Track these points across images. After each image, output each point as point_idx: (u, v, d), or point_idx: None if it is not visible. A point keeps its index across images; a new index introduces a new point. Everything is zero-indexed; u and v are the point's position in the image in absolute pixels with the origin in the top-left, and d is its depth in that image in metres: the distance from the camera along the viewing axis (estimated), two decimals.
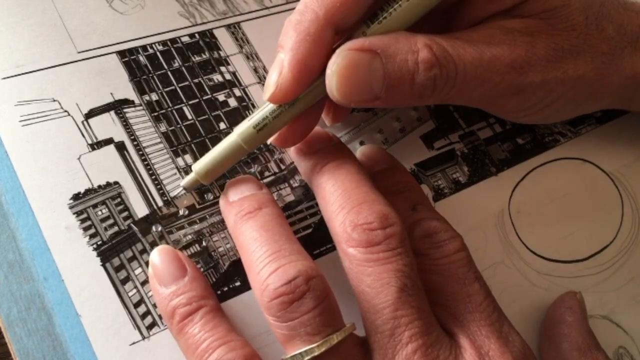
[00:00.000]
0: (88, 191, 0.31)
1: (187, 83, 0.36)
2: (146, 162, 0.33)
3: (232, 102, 0.36)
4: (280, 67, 0.27)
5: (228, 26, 0.38)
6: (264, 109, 0.29)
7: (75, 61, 0.34)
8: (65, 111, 0.32)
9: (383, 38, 0.27)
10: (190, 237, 0.32)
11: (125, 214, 0.31)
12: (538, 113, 0.33)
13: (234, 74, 0.37)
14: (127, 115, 0.34)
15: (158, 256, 0.29)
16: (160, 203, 0.32)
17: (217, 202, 0.32)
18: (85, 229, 0.30)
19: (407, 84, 0.27)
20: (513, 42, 0.29)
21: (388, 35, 0.27)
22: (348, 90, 0.27)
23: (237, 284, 0.31)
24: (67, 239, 0.30)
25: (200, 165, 0.30)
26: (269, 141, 0.30)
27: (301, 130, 0.30)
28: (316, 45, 0.27)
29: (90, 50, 0.35)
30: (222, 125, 0.35)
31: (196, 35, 0.37)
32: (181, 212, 0.32)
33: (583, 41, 0.31)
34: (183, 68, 0.36)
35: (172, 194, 0.32)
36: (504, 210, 0.36)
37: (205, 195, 0.33)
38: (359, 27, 0.28)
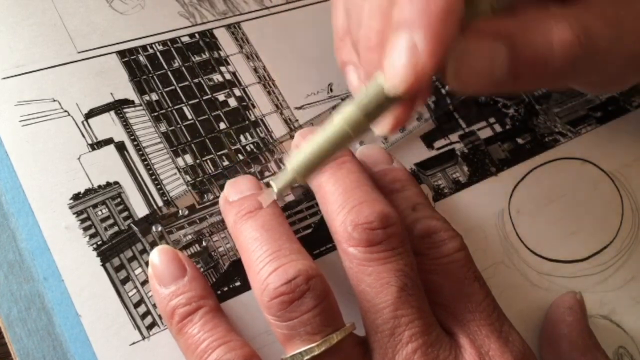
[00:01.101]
0: (88, 191, 0.31)
1: (187, 83, 0.36)
2: (146, 162, 0.33)
3: (232, 102, 0.36)
4: (410, 49, 0.22)
5: (228, 26, 0.38)
6: (370, 93, 0.24)
7: (75, 61, 0.34)
8: (65, 111, 0.32)
9: (506, 21, 0.24)
10: (190, 237, 0.32)
11: (125, 214, 0.31)
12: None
13: (234, 74, 0.37)
14: (127, 115, 0.34)
15: (158, 256, 0.29)
16: (160, 203, 0.32)
17: (217, 202, 0.32)
18: (85, 229, 0.30)
19: (541, 68, 0.24)
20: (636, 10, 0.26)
21: (512, 17, 0.24)
22: (467, 78, 0.24)
23: (237, 284, 0.31)
24: (67, 239, 0.30)
25: (299, 159, 0.24)
26: (380, 132, 0.26)
27: (411, 110, 0.25)
28: (452, 16, 0.22)
29: (90, 50, 0.35)
30: (222, 125, 0.35)
31: (196, 35, 0.37)
32: (181, 212, 0.32)
33: None
34: (183, 68, 0.36)
35: (174, 198, 0.32)
36: (504, 210, 0.36)
37: (205, 195, 0.33)
38: None
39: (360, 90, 0.25)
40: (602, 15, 0.25)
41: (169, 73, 0.36)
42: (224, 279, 0.31)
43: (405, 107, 0.24)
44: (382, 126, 0.25)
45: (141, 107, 0.34)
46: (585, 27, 0.24)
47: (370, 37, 0.25)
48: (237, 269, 0.31)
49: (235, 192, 0.30)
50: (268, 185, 0.25)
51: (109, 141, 0.33)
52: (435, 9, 0.21)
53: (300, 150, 0.24)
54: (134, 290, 0.30)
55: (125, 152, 0.33)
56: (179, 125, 0.34)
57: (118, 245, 0.30)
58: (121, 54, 0.35)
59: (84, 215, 0.30)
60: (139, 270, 0.30)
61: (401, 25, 0.22)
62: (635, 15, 0.26)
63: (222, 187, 0.33)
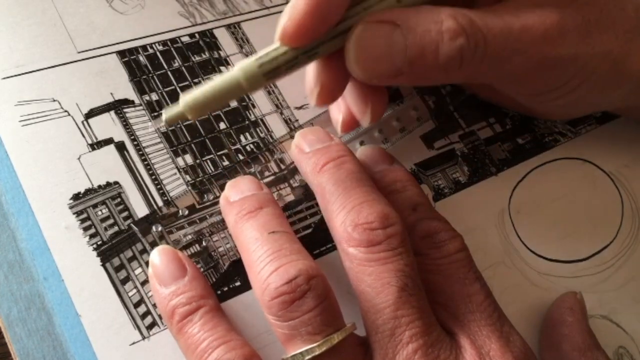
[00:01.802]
0: (88, 191, 0.31)
1: (187, 83, 0.36)
2: (146, 162, 0.33)
3: (232, 102, 0.36)
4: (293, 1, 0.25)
5: (228, 26, 0.38)
6: (274, 52, 0.26)
7: (75, 61, 0.34)
8: (65, 111, 0.32)
9: (404, 11, 0.27)
10: (190, 237, 0.32)
11: (125, 214, 0.31)
12: (565, 97, 0.32)
13: None
14: (127, 115, 0.34)
15: (158, 256, 0.29)
16: (160, 203, 0.32)
17: (217, 202, 0.32)
18: (85, 229, 0.30)
19: (432, 56, 0.26)
20: (542, 14, 0.28)
21: (409, 8, 0.27)
22: (368, 65, 0.26)
23: (237, 283, 0.31)
24: (67, 239, 0.30)
25: (190, 96, 0.26)
26: (312, 104, 0.29)
27: (341, 81, 0.29)
28: None
29: (90, 50, 0.34)
30: (222, 125, 0.35)
31: (196, 35, 0.37)
32: (181, 212, 0.32)
33: (606, 17, 0.30)
34: (183, 68, 0.36)
35: (174, 198, 0.32)
36: (504, 210, 0.36)
37: (205, 195, 0.33)
38: None
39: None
40: (494, 12, 0.27)
41: (169, 73, 0.36)
42: (224, 278, 0.31)
43: (328, 78, 0.28)
44: (310, 96, 0.29)
45: (141, 107, 0.34)
46: (470, 20, 0.26)
47: None
48: (237, 268, 0.31)
49: (236, 192, 0.30)
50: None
51: (109, 141, 0.33)
52: None
53: (195, 89, 0.26)
54: (134, 290, 0.30)
55: (125, 152, 0.33)
56: (178, 125, 0.34)
57: (118, 245, 0.30)
58: (121, 54, 0.35)
59: (84, 215, 0.30)
60: (139, 270, 0.30)
61: None
62: (528, 14, 0.28)
63: (222, 187, 0.33)
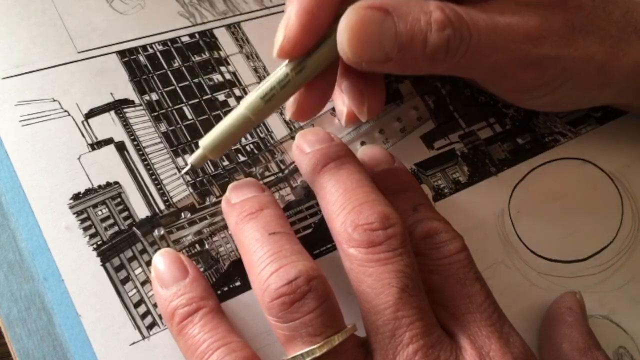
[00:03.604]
0: (88, 191, 0.31)
1: (187, 83, 0.36)
2: (146, 162, 0.33)
3: (232, 102, 0.36)
4: (287, 19, 0.27)
5: (228, 26, 0.38)
6: (270, 78, 0.29)
7: (75, 61, 0.34)
8: (65, 111, 0.32)
9: None
10: (190, 237, 0.32)
11: (125, 213, 0.31)
12: (548, 95, 0.33)
13: (234, 74, 0.37)
14: (127, 115, 0.34)
15: (160, 259, 0.29)
16: (160, 203, 0.32)
17: (217, 202, 0.32)
18: (85, 229, 0.30)
19: (420, 44, 0.27)
20: (527, 14, 0.29)
21: None
22: (359, 47, 0.27)
23: (237, 284, 0.31)
24: (67, 239, 0.30)
25: (208, 140, 0.29)
26: (287, 117, 0.31)
27: (316, 100, 0.30)
28: None
29: (90, 50, 0.34)
30: None
31: (196, 35, 0.37)
32: (183, 216, 0.32)
33: (591, 22, 0.31)
34: (183, 68, 0.36)
35: (175, 198, 0.32)
36: (504, 210, 0.36)
37: (206, 196, 0.33)
38: None
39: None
40: (480, 9, 0.29)
41: (169, 73, 0.36)
42: (224, 279, 0.31)
43: (305, 95, 0.29)
44: (288, 111, 0.31)
45: (141, 107, 0.34)
46: (457, 14, 0.27)
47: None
48: (237, 269, 0.31)
49: (238, 194, 0.30)
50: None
51: (109, 141, 0.33)
52: None
53: (211, 131, 0.29)
54: (134, 290, 0.30)
55: (125, 152, 0.33)
56: (179, 125, 0.34)
57: (118, 245, 0.30)
58: (121, 54, 0.35)
59: (84, 215, 0.30)
60: (139, 270, 0.30)
61: (286, 2, 0.28)
62: (513, 13, 0.29)
63: (222, 187, 0.33)
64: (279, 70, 0.29)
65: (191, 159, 0.30)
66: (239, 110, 0.29)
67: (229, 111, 0.36)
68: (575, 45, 0.31)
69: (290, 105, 0.30)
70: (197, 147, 0.31)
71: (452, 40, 0.27)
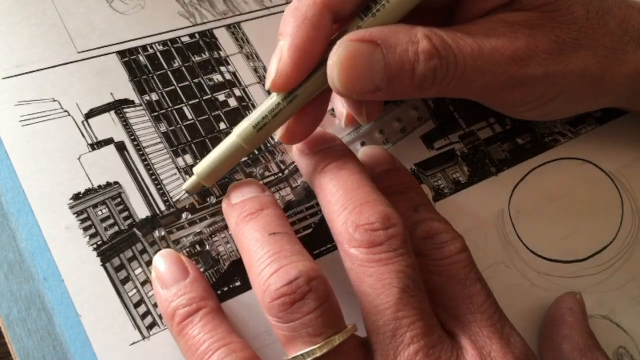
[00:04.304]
0: (88, 191, 0.31)
1: (187, 83, 0.36)
2: (146, 162, 0.33)
3: (232, 102, 0.36)
4: (280, 53, 0.28)
5: (228, 26, 0.38)
6: (262, 107, 0.29)
7: (75, 61, 0.34)
8: (65, 111, 0.32)
9: (383, 29, 0.27)
10: (191, 237, 0.32)
11: (125, 214, 0.31)
12: (539, 108, 0.33)
13: (234, 74, 0.37)
14: (127, 115, 0.34)
15: (160, 259, 0.29)
16: (160, 203, 0.32)
17: (217, 202, 0.32)
18: (85, 229, 0.30)
19: (408, 75, 0.27)
20: (513, 35, 0.29)
21: (388, 26, 0.28)
22: (350, 81, 0.27)
23: (237, 284, 0.31)
24: (67, 239, 0.30)
25: (202, 167, 0.30)
26: (276, 138, 0.31)
27: (306, 126, 0.30)
28: (314, 30, 0.27)
29: (90, 50, 0.34)
30: (222, 125, 0.35)
31: (196, 35, 0.37)
32: (184, 217, 0.32)
33: (585, 35, 0.31)
34: (183, 68, 0.36)
35: (175, 198, 0.32)
36: (504, 210, 0.36)
37: (206, 197, 0.33)
38: (353, 20, 0.28)
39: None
40: (467, 33, 0.29)
41: (169, 73, 0.36)
42: (224, 279, 0.31)
43: (295, 121, 0.29)
44: (276, 135, 0.30)
45: (141, 107, 0.34)
46: (443, 42, 0.28)
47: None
48: (237, 269, 0.31)
49: (238, 194, 0.30)
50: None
51: (109, 141, 0.33)
52: (295, 21, 0.27)
53: (205, 159, 0.30)
54: (134, 290, 0.30)
55: (125, 152, 0.33)
56: (179, 125, 0.34)
57: (118, 245, 0.30)
58: (121, 54, 0.35)
59: (84, 215, 0.30)
60: (139, 270, 0.30)
61: (278, 35, 0.28)
62: (499, 34, 0.29)
63: (222, 187, 0.33)
64: (271, 99, 0.29)
65: (185, 185, 0.30)
66: (232, 139, 0.29)
67: (229, 111, 0.36)
68: (566, 61, 0.31)
69: (279, 129, 0.30)
70: (196, 147, 0.31)
71: (439, 69, 0.28)
